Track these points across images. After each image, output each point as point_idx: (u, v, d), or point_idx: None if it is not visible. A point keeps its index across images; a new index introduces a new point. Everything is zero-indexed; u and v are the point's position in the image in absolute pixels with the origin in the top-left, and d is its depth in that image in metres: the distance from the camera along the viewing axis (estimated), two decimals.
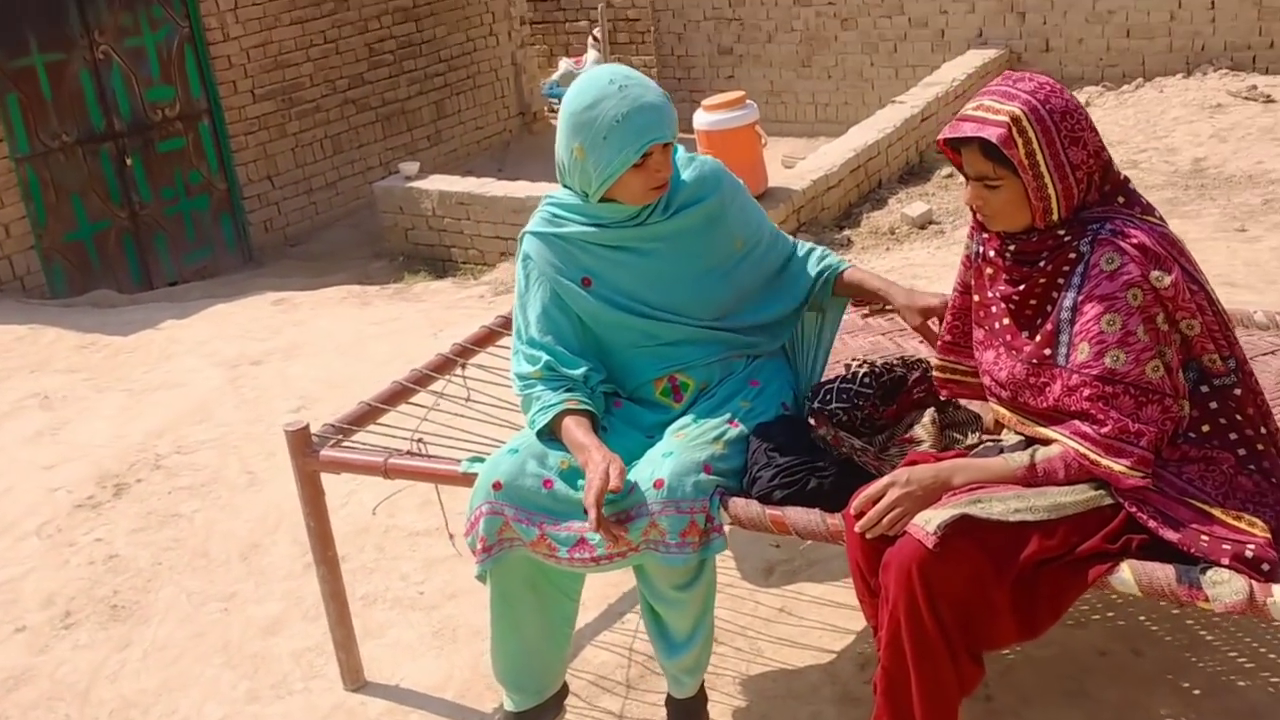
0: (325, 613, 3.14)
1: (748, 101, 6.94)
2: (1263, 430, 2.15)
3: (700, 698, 2.62)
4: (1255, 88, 7.46)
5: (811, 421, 2.49)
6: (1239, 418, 2.14)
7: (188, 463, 4.63)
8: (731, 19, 10.61)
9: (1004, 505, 2.08)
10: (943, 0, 9.52)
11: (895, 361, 2.66)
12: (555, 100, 12.38)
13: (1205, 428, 2.15)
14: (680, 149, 2.66)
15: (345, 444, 3.03)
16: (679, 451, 2.42)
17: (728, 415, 2.56)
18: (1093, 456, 2.07)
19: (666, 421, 2.63)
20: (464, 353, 3.42)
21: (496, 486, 2.44)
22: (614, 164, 2.42)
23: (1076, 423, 2.10)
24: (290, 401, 5.08)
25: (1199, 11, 8.49)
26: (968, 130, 2.11)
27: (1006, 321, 2.25)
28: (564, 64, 12.61)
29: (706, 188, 2.59)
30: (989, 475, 2.15)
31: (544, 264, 2.61)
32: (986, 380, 2.34)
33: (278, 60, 9.50)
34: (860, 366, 2.62)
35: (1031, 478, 2.12)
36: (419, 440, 2.95)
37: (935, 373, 2.55)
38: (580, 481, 2.46)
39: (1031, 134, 2.05)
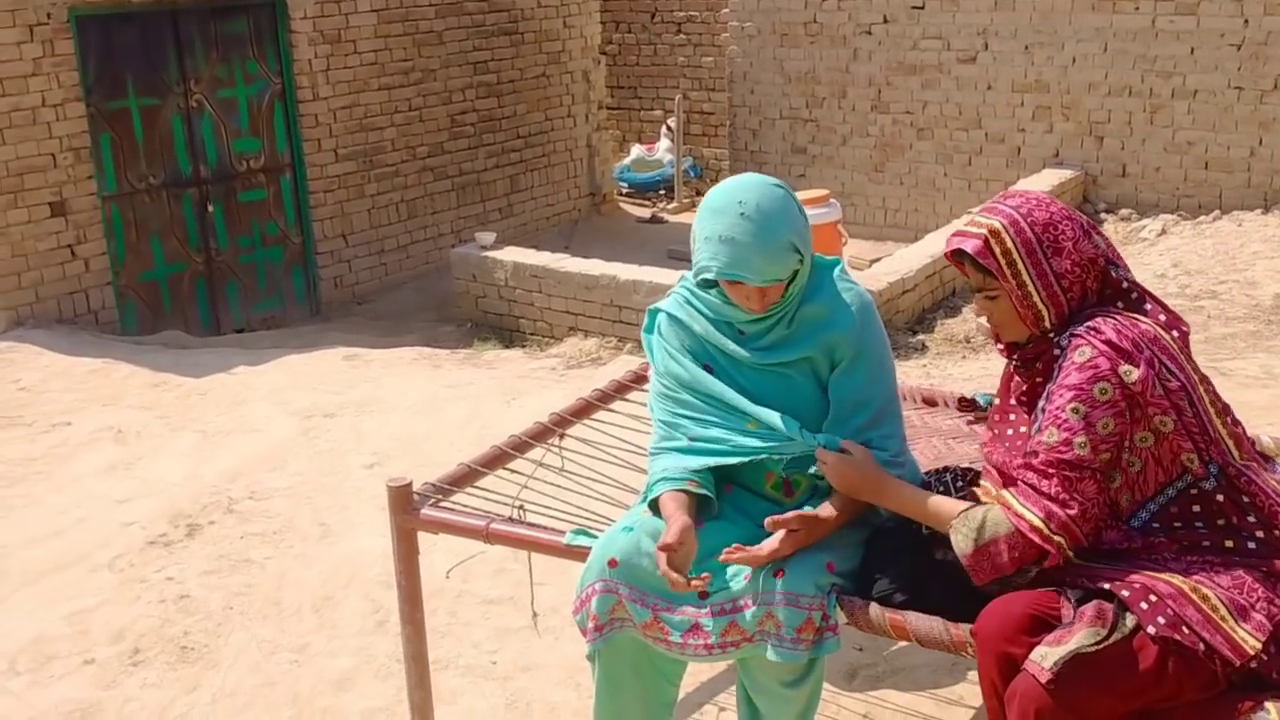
0: (405, 674, 3.11)
1: (831, 200, 6.99)
2: (1257, 535, 2.12)
3: None
4: None
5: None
6: (1220, 522, 2.13)
7: (261, 509, 4.64)
8: (808, 120, 10.75)
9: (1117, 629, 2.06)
10: (1021, 118, 9.61)
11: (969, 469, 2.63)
12: (626, 185, 12.55)
13: (1178, 524, 2.15)
14: (839, 267, 2.63)
15: (444, 504, 3.03)
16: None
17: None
18: (1047, 532, 2.12)
19: (778, 510, 2.61)
20: (561, 423, 3.42)
21: (612, 564, 2.42)
22: (699, 269, 2.45)
23: (1045, 504, 2.13)
24: (364, 456, 5.09)
25: (1279, 149, 8.52)
26: (953, 243, 2.26)
27: (1023, 427, 2.33)
28: (636, 150, 12.79)
29: (842, 317, 2.52)
30: (919, 515, 2.33)
31: (674, 342, 2.62)
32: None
33: (363, 123, 9.69)
34: (947, 475, 2.57)
35: (975, 560, 2.19)
36: (520, 507, 2.94)
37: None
38: (694, 569, 2.44)
39: (1010, 245, 2.17)
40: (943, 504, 2.31)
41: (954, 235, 2.29)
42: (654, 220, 11.79)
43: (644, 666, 2.51)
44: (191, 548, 4.35)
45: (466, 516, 2.93)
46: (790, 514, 2.37)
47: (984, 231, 2.21)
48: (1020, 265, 2.18)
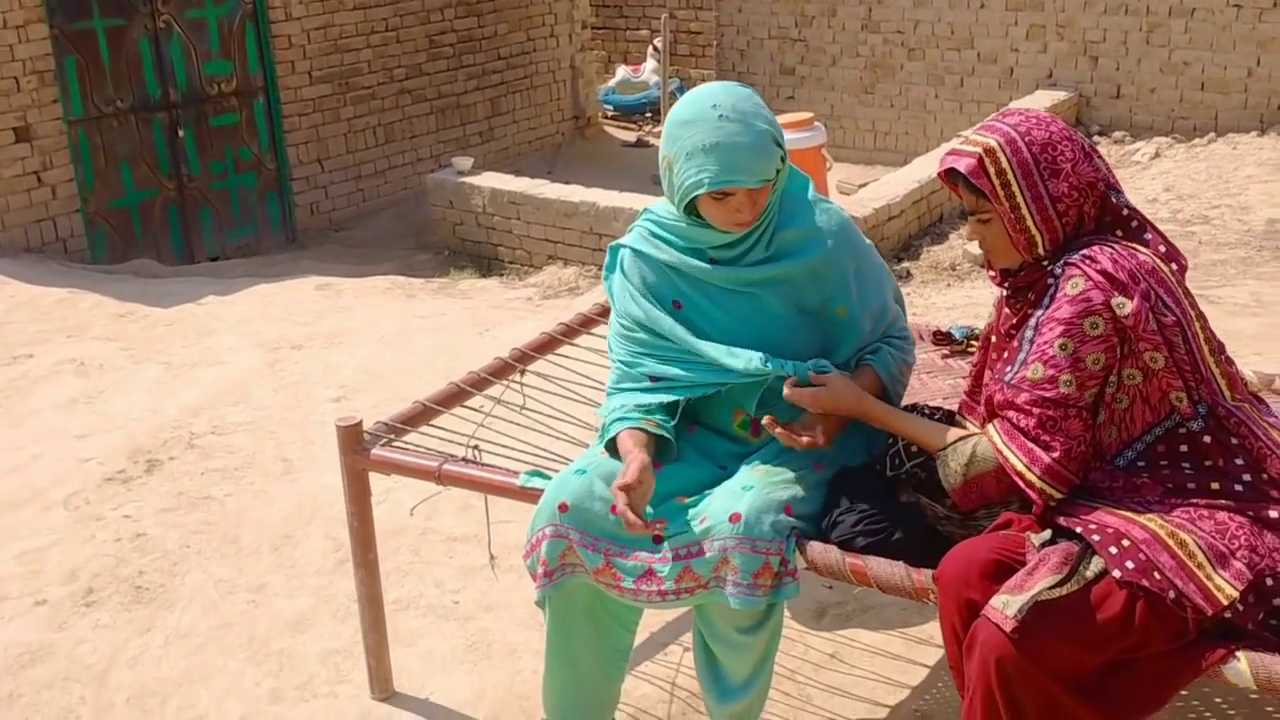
0: (359, 616, 3.02)
1: (816, 123, 6.81)
2: (1244, 478, 2.02)
3: None
4: None
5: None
6: (1206, 463, 2.04)
7: (223, 444, 4.52)
8: (796, 39, 10.48)
9: (1078, 575, 1.95)
10: (1014, 38, 9.36)
11: (939, 408, 2.51)
12: (610, 108, 12.29)
13: (1164, 464, 2.06)
14: (811, 187, 2.51)
15: (397, 444, 2.91)
16: (759, 487, 2.29)
17: (813, 457, 2.42)
18: (1030, 477, 2.05)
19: (741, 454, 2.50)
20: (523, 358, 3.29)
21: (563, 509, 2.31)
22: (688, 187, 2.29)
23: (1028, 445, 2.06)
24: (331, 390, 4.97)
25: (1277, 70, 8.31)
26: (947, 162, 2.15)
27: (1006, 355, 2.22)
28: (621, 71, 12.51)
29: (819, 239, 2.43)
30: (907, 436, 2.27)
31: (637, 280, 2.49)
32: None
33: (337, 44, 9.43)
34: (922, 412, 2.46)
35: (964, 492, 2.15)
36: (475, 447, 2.83)
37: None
38: (649, 508, 2.33)
39: (1006, 164, 2.07)
40: (930, 432, 2.24)
41: (948, 154, 2.17)
42: (639, 144, 11.56)
43: (598, 612, 2.41)
44: (150, 484, 4.24)
45: (418, 457, 2.81)
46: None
47: (978, 150, 2.09)
48: (1015, 186, 2.07)
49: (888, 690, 2.97)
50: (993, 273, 2.26)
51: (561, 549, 2.32)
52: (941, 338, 3.27)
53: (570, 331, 3.46)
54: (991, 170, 2.07)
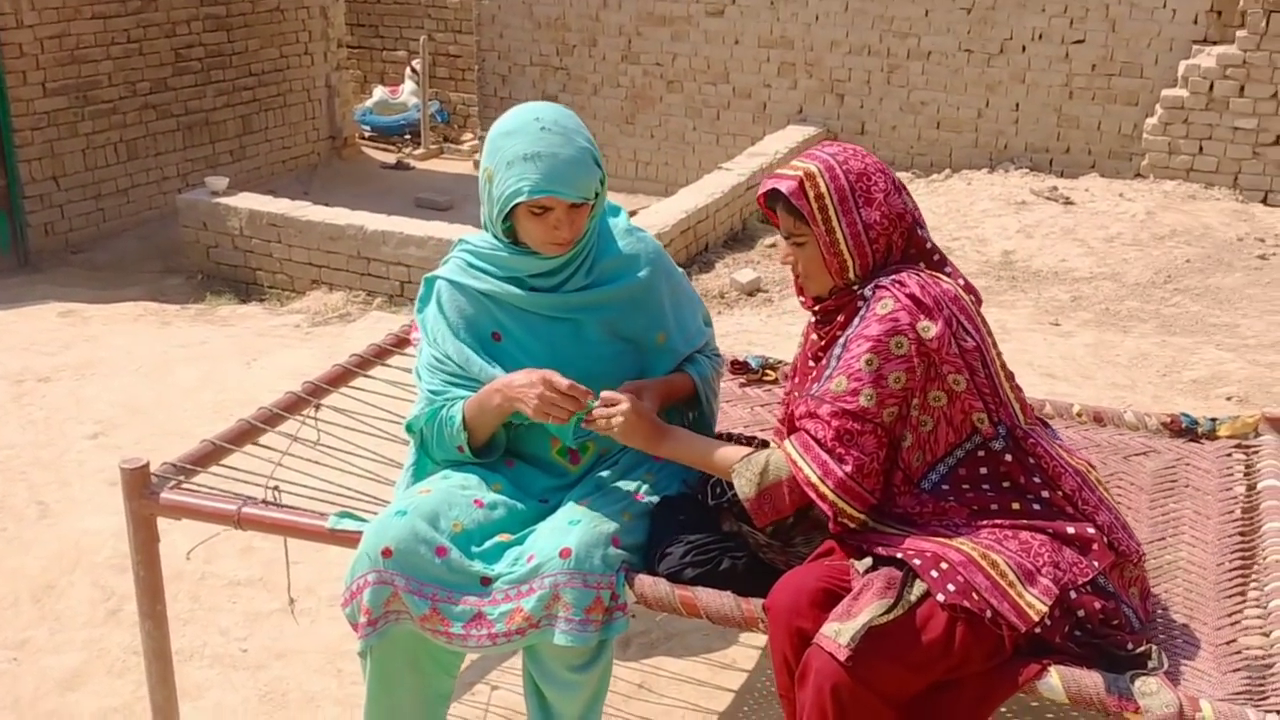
0: (146, 672, 2.82)
1: None
2: (1042, 495, 2.17)
3: None
4: (1056, 189, 7.92)
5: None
6: (1005, 484, 2.18)
7: None
8: (558, 67, 10.57)
9: (904, 600, 2.05)
10: (766, 74, 9.75)
11: (755, 439, 2.60)
12: (369, 129, 12.03)
13: (966, 487, 2.18)
14: (624, 216, 2.55)
15: (186, 486, 2.74)
16: (585, 520, 2.28)
17: (634, 486, 2.44)
18: (823, 490, 2.13)
19: (560, 486, 2.49)
20: (316, 392, 3.16)
21: (386, 554, 2.23)
22: (508, 195, 2.30)
23: (822, 458, 2.14)
24: (86, 426, 4.63)
25: (1004, 112, 8.99)
26: (768, 184, 2.25)
27: (811, 365, 2.35)
28: (379, 92, 12.27)
29: (636, 267, 2.48)
30: (701, 462, 2.33)
31: (454, 312, 2.44)
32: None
33: (75, 55, 8.84)
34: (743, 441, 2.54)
35: (758, 504, 2.20)
36: (275, 488, 2.70)
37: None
38: (474, 548, 2.29)
39: (824, 189, 2.17)
40: (725, 451, 2.30)
41: (769, 178, 2.27)
42: (399, 166, 11.36)
43: (421, 659, 2.34)
44: None
45: (214, 500, 2.66)
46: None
47: (799, 174, 2.20)
48: (831, 211, 2.17)
49: (697, 718, 3.01)
50: (803, 298, 2.36)
51: (385, 596, 2.24)
52: (739, 366, 3.36)
53: (364, 363, 3.36)
54: (811, 194, 2.18)
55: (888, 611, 2.01)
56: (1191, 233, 7.23)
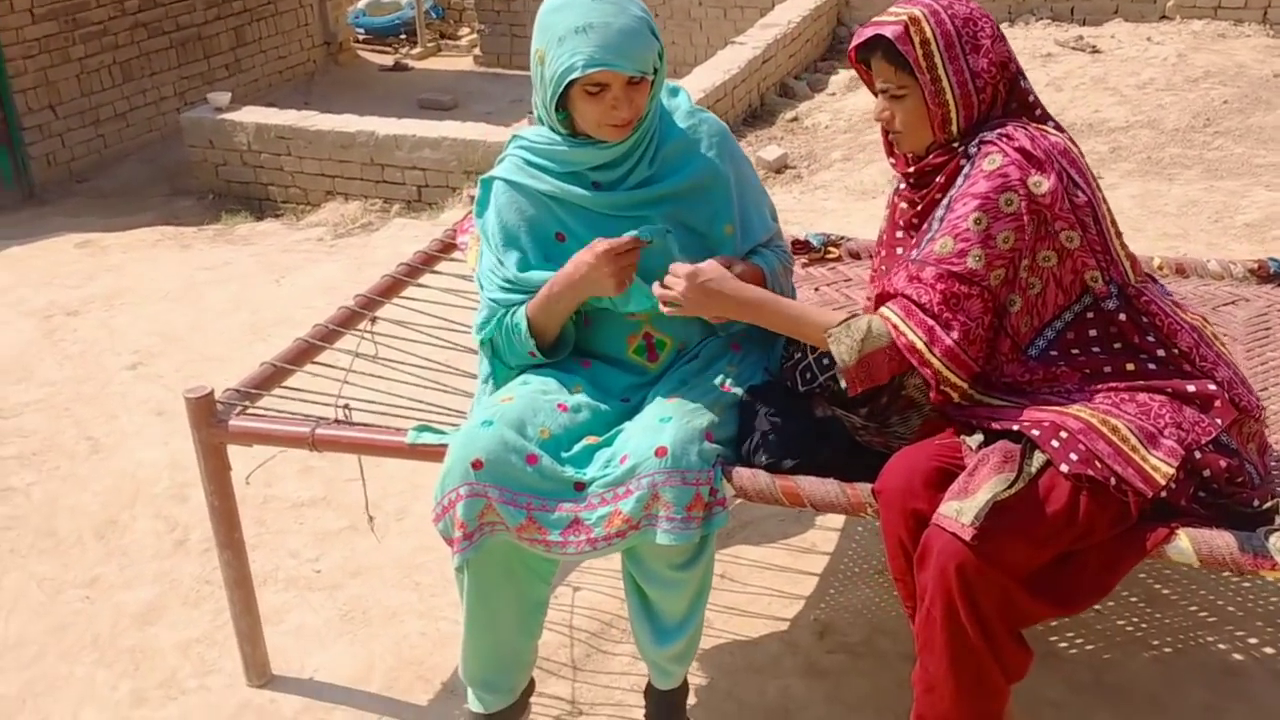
0: (229, 601, 2.77)
1: None
2: (1157, 354, 2.07)
3: (684, 688, 2.42)
4: (1081, 38, 7.66)
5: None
6: (1117, 345, 2.09)
7: (11, 428, 4.07)
8: None
9: (1024, 473, 1.96)
10: None
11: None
12: (363, 31, 11.71)
13: (1076, 351, 2.09)
14: (685, 96, 2.40)
15: (252, 411, 2.66)
16: (678, 417, 2.19)
17: (718, 379, 2.35)
18: (928, 357, 2.03)
19: (641, 384, 2.40)
20: (370, 304, 3.06)
21: (477, 465, 2.15)
22: (561, 74, 2.15)
23: (928, 323, 2.03)
24: (124, 357, 4.55)
25: None
26: (867, 32, 2.11)
27: (900, 235, 2.23)
28: None
29: (698, 152, 2.34)
30: (790, 328, 2.17)
31: (514, 214, 2.33)
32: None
33: None
34: None
35: (856, 371, 2.07)
36: (345, 406, 2.61)
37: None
38: (563, 453, 2.21)
39: (930, 34, 2.04)
40: (819, 314, 2.17)
41: (867, 25, 2.12)
42: (398, 68, 11.09)
43: (516, 568, 2.28)
44: None
45: (285, 424, 2.58)
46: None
47: (903, 19, 2.05)
48: (937, 57, 2.04)
49: (784, 603, 2.97)
50: (894, 159, 2.22)
51: (479, 508, 2.17)
52: (800, 246, 3.24)
53: (414, 271, 3.25)
54: (916, 39, 2.04)
55: (1009, 486, 1.93)
56: (1226, 72, 7.00)
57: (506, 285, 2.35)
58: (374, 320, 3.03)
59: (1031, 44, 7.75)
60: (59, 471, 3.79)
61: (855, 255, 3.24)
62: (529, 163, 2.35)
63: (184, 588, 3.21)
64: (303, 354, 2.85)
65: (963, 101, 2.06)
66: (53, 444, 3.95)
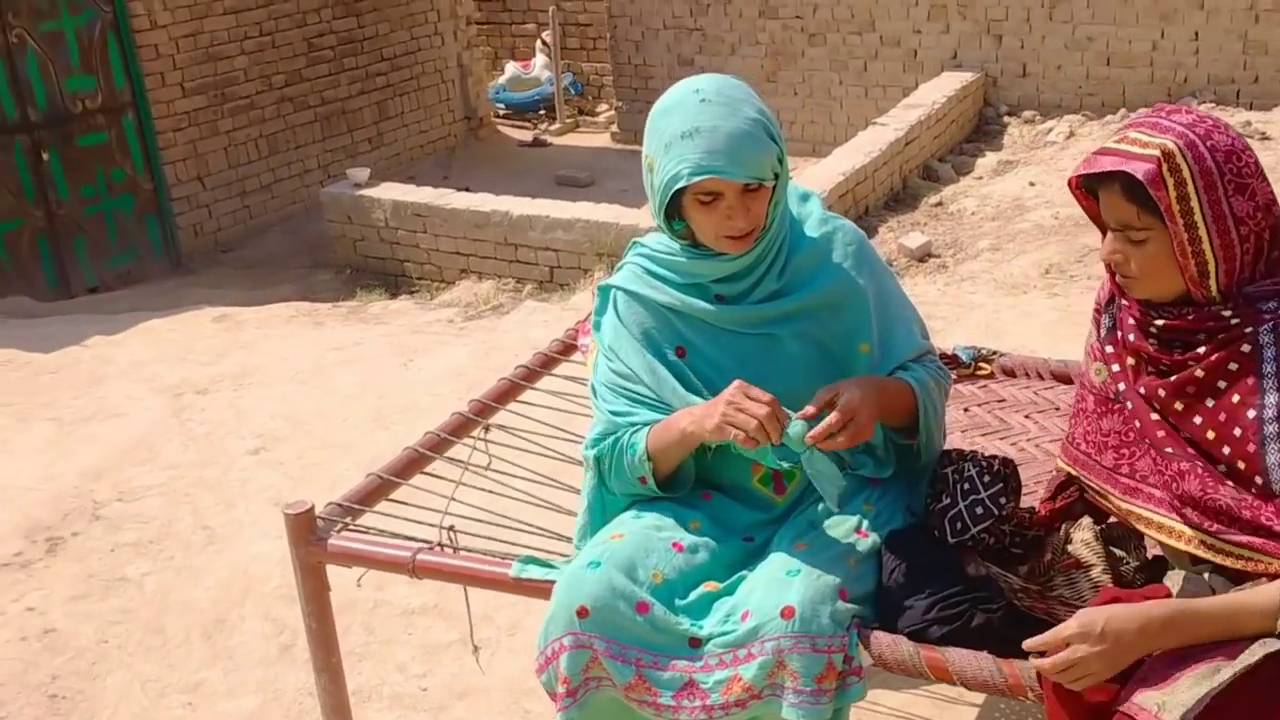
0: None
1: None
2: None
3: None
4: (1249, 124, 7.25)
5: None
6: None
7: (132, 513, 4.05)
8: (693, 29, 10.18)
9: (1244, 658, 1.66)
10: (916, 19, 9.20)
11: (994, 456, 2.20)
12: (503, 106, 11.85)
13: None
14: (817, 202, 2.21)
15: (355, 527, 2.53)
16: (807, 571, 1.96)
17: (853, 521, 2.12)
18: None
19: (766, 521, 2.18)
20: (484, 411, 2.91)
21: (582, 614, 1.96)
22: (667, 182, 1.98)
23: None
24: (247, 440, 4.51)
25: (1182, 42, 8.28)
26: (1107, 165, 1.74)
27: (1155, 417, 1.84)
28: (511, 68, 12.06)
29: (831, 263, 2.13)
30: (1223, 630, 1.72)
31: (634, 326, 2.16)
32: (1145, 491, 1.91)
33: (209, 52, 8.82)
34: (968, 465, 2.15)
35: None
36: (450, 528, 2.45)
37: (1054, 483, 2.14)
38: (678, 600, 2.00)
39: (1186, 173, 1.69)
40: (1250, 599, 1.72)
41: (1104, 156, 1.77)
42: (537, 144, 11.16)
43: None
44: (54, 567, 3.75)
45: (385, 546, 2.43)
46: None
47: (1156, 153, 1.69)
48: (1194, 201, 1.70)
49: None
50: (1127, 301, 1.88)
51: (584, 661, 1.97)
52: (946, 360, 2.99)
53: (531, 375, 3.10)
54: (1170, 180, 1.69)
55: (1221, 672, 1.63)
56: None
57: (629, 392, 2.17)
58: (487, 429, 2.88)
59: None
60: (174, 562, 3.73)
61: (1010, 373, 2.97)
62: (648, 271, 2.18)
63: (286, 699, 3.09)
64: (411, 464, 2.72)
65: (1223, 253, 1.72)
66: (169, 531, 3.90)
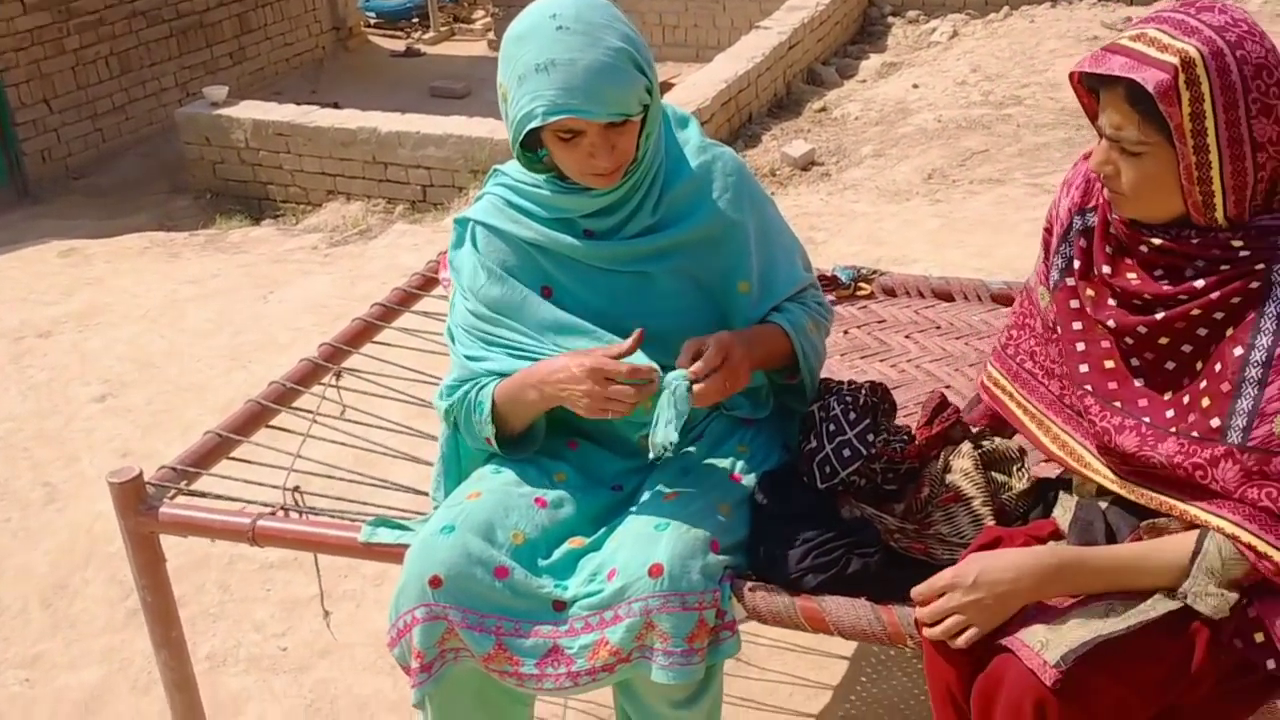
0: (169, 704, 2.43)
1: None
2: None
3: None
4: (1130, 19, 7.19)
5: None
6: None
7: None
8: None
9: (1142, 608, 1.55)
10: None
11: (861, 385, 2.06)
12: (373, 15, 11.34)
13: None
14: (696, 128, 2.00)
15: (191, 491, 2.31)
16: (676, 524, 1.81)
17: (726, 464, 1.97)
18: (1275, 556, 1.52)
19: (635, 469, 2.02)
20: (335, 356, 2.69)
21: (434, 583, 1.78)
22: (519, 120, 1.78)
23: (1245, 502, 1.56)
24: (93, 387, 4.22)
25: None
26: (1115, 68, 1.49)
27: (1110, 365, 1.68)
28: None
29: (709, 197, 1.94)
30: (1115, 585, 1.59)
31: (494, 263, 1.95)
32: (1077, 438, 1.77)
33: None
34: (833, 401, 2.00)
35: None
36: (295, 489, 2.25)
37: (983, 388, 1.98)
38: (540, 561, 1.84)
39: (1205, 87, 1.45)
40: (1152, 553, 1.60)
41: (1114, 54, 1.51)
42: (410, 53, 10.72)
43: (489, 693, 1.90)
44: None
45: (222, 513, 2.22)
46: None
47: (1175, 60, 1.46)
48: (1210, 120, 1.47)
49: (806, 695, 2.61)
50: (1116, 216, 1.63)
51: (439, 633, 1.80)
52: (825, 281, 2.84)
53: (388, 313, 2.88)
54: (1186, 95, 1.45)
55: (1111, 618, 1.52)
56: None
57: (484, 334, 1.97)
58: (339, 375, 2.65)
59: (1075, 26, 7.29)
60: (9, 525, 3.46)
61: (890, 293, 2.83)
62: (511, 204, 1.97)
63: (134, 669, 2.87)
64: (254, 419, 2.49)
65: (1233, 181, 1.50)
66: (5, 491, 3.62)
